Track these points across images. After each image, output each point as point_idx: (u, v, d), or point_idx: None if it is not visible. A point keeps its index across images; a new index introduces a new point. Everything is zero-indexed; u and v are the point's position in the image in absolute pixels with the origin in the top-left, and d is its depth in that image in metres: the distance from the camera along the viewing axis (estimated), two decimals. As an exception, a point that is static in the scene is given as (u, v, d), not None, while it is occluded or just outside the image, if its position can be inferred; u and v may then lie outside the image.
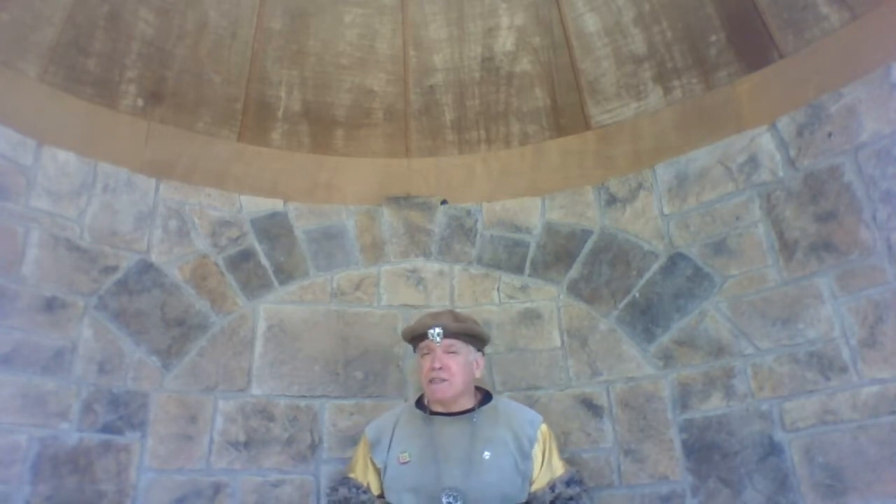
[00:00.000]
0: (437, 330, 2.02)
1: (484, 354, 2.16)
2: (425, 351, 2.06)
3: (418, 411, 2.08)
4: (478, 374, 2.10)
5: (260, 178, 2.81)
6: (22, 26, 2.43)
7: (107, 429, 2.29)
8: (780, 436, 2.19)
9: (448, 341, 2.02)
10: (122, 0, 2.63)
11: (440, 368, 1.98)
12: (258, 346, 2.61)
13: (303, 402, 2.58)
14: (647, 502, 2.34)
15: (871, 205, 2.16)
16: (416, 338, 2.10)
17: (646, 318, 2.54)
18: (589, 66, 2.86)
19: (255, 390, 2.55)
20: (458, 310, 2.36)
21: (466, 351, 2.06)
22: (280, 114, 2.91)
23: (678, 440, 2.36)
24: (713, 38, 2.64)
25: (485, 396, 2.11)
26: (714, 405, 2.33)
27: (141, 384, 2.40)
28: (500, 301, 2.75)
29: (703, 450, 2.31)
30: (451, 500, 1.85)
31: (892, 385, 2.01)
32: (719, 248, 2.46)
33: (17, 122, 2.37)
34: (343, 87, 2.97)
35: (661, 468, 2.36)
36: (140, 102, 2.69)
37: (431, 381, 1.99)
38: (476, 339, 2.10)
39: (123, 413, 2.34)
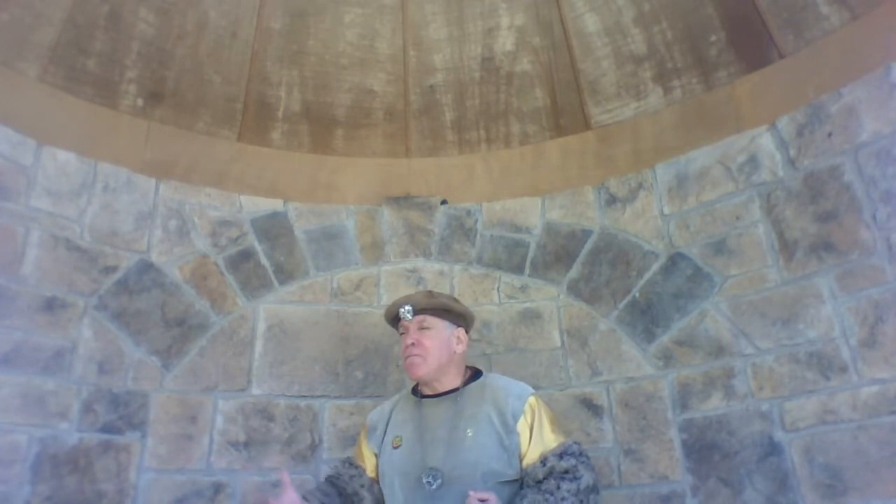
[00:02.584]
0: (407, 307, 2.02)
1: (468, 330, 2.11)
2: (402, 331, 2.07)
3: (412, 396, 2.07)
4: (460, 350, 2.04)
5: (260, 178, 2.81)
6: (22, 26, 2.43)
7: (107, 429, 2.30)
8: (780, 436, 2.19)
9: (419, 317, 2.01)
10: (122, 0, 2.63)
11: (412, 344, 1.98)
12: (258, 346, 2.61)
13: (303, 402, 2.58)
14: (647, 502, 2.34)
15: (871, 205, 2.16)
16: (394, 320, 2.10)
17: (646, 318, 2.54)
18: (589, 66, 2.86)
19: (255, 390, 2.55)
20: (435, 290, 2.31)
21: (442, 326, 2.02)
22: (280, 114, 2.91)
23: (678, 440, 2.36)
24: (713, 38, 2.64)
25: (474, 374, 2.07)
26: (714, 405, 2.33)
27: (141, 384, 2.40)
28: (500, 301, 2.75)
29: (703, 450, 2.31)
30: (429, 479, 1.82)
31: (892, 385, 2.01)
32: (719, 248, 2.46)
33: (17, 122, 2.37)
34: (343, 87, 2.97)
35: (661, 468, 2.36)
36: (140, 102, 2.69)
37: (407, 358, 1.99)
38: (451, 315, 2.06)
39: (123, 413, 2.34)
